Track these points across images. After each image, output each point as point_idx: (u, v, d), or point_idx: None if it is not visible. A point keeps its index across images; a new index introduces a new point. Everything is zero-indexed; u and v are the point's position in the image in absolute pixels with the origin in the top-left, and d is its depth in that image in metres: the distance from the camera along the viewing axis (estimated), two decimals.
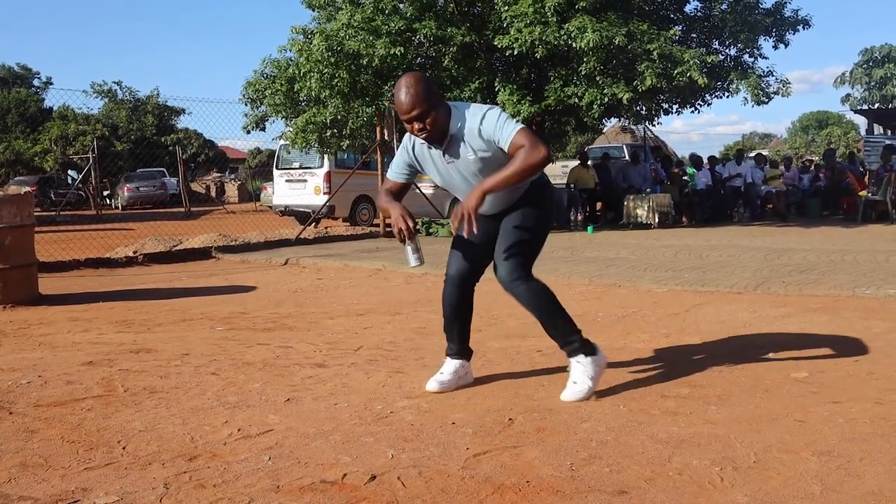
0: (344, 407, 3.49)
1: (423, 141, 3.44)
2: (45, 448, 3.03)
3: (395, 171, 3.66)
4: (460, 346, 3.76)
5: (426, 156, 3.53)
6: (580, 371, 3.50)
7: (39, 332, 5.51)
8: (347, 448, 2.95)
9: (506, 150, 3.30)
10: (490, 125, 3.31)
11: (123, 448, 3.01)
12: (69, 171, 37.75)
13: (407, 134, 3.55)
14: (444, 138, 3.39)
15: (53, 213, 23.36)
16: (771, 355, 4.28)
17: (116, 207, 32.37)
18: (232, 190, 40.38)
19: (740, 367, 4.03)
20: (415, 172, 3.68)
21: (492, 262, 3.58)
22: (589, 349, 3.55)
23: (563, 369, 4.02)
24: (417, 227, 3.36)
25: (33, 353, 4.76)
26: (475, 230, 3.31)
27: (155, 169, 34.77)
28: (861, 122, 39.45)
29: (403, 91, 3.30)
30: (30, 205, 6.91)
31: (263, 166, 41.70)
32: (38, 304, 6.71)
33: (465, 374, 3.78)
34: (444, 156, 3.44)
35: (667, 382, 3.76)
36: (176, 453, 2.94)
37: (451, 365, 3.75)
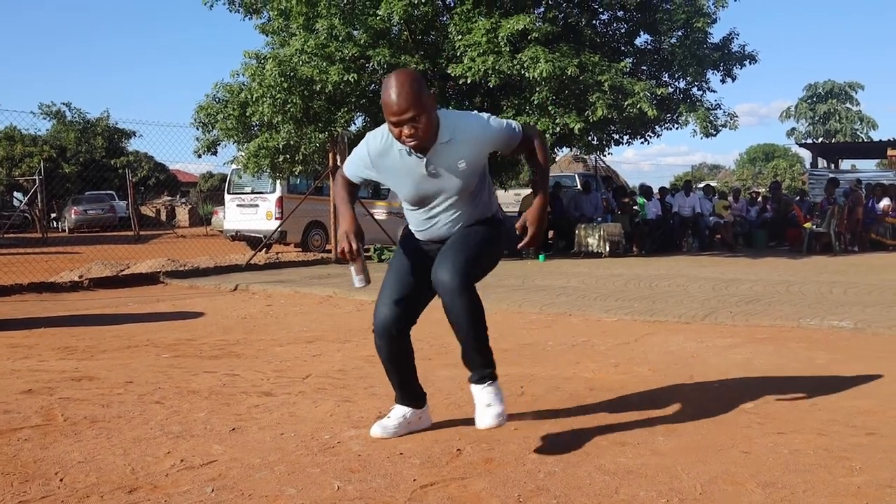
0: (290, 437, 3.44)
1: (401, 147, 3.11)
2: None
3: (353, 170, 3.35)
4: (406, 393, 3.43)
5: (395, 165, 3.19)
6: (492, 393, 3.14)
7: None
8: (293, 479, 2.90)
9: (512, 148, 3.26)
10: (485, 134, 3.15)
11: (61, 480, 2.92)
12: (15, 193, 36.97)
13: (370, 136, 3.25)
14: (431, 146, 3.10)
15: None
16: (718, 386, 4.32)
17: (63, 231, 31.75)
18: (183, 214, 39.87)
19: (688, 396, 4.07)
20: (367, 180, 3.40)
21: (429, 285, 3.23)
22: (496, 376, 3.22)
23: (517, 395, 4.03)
24: (363, 247, 3.18)
25: None
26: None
27: (104, 192, 34.20)
28: (806, 155, 40.43)
29: (395, 90, 2.95)
30: None
31: (215, 190, 41.25)
32: None
33: (417, 420, 3.45)
34: (427, 167, 3.12)
35: (615, 413, 3.77)
36: (115, 485, 2.86)
37: (398, 411, 3.43)
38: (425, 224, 3.33)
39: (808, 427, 3.50)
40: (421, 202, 3.27)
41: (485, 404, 3.11)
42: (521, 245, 3.31)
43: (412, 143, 3.03)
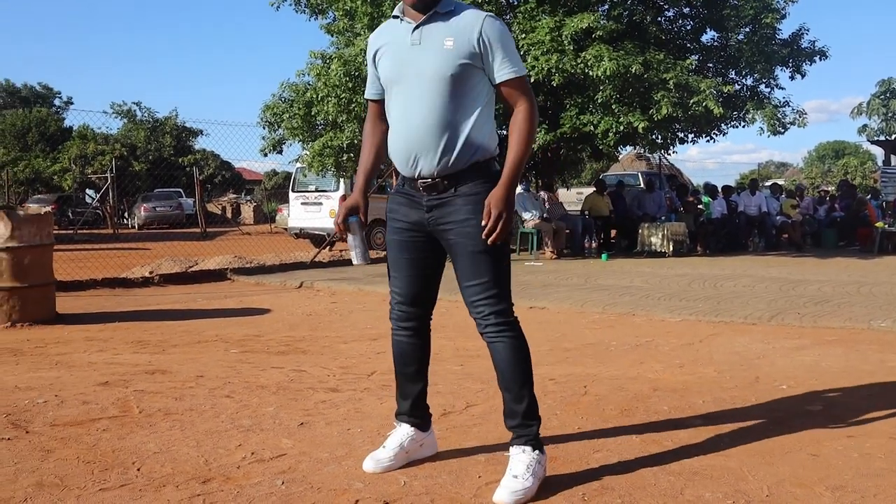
0: (357, 432, 3.50)
1: (398, 18, 2.89)
2: (61, 468, 3.05)
3: (369, 86, 3.07)
4: (409, 405, 3.07)
5: (389, 42, 2.92)
6: (525, 463, 2.75)
7: (56, 350, 5.56)
8: (360, 474, 2.96)
9: (501, 80, 2.79)
10: (496, 36, 2.76)
11: (138, 469, 3.03)
12: (87, 190, 38.10)
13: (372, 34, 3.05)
14: (428, 8, 2.80)
15: (71, 231, 23.56)
16: (784, 387, 4.27)
17: (133, 227, 32.61)
18: (248, 211, 40.64)
19: (753, 398, 4.03)
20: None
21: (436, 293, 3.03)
22: (540, 443, 2.85)
23: (580, 395, 4.04)
24: (362, 222, 3.03)
25: (50, 372, 4.80)
26: (499, 240, 2.71)
27: (172, 189, 35.06)
28: (878, 152, 39.36)
29: None
30: (49, 224, 6.98)
31: (279, 188, 41.96)
32: (54, 323, 6.75)
33: (417, 448, 3.06)
34: (412, 32, 2.82)
35: (679, 413, 3.75)
36: (190, 476, 2.96)
37: (397, 437, 3.04)
38: (399, 126, 2.90)
39: (878, 430, 3.45)
40: (396, 82, 2.88)
41: (512, 474, 2.73)
42: (488, 239, 2.72)
43: None
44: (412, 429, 3.06)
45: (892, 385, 4.29)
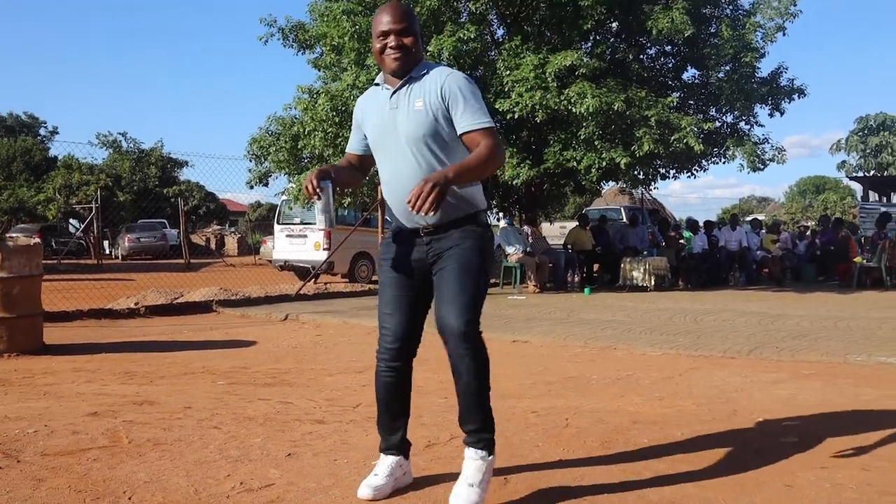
0: (343, 463, 3.57)
1: (381, 85, 3.13)
2: (53, 497, 3.11)
3: (351, 142, 3.34)
4: (398, 439, 3.22)
5: (372, 107, 3.16)
6: (478, 471, 2.99)
7: (44, 381, 5.60)
8: (347, 503, 3.03)
9: (462, 131, 2.97)
10: (457, 90, 2.97)
11: (129, 499, 3.10)
12: (71, 220, 38.00)
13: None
14: (406, 75, 3.05)
15: (55, 261, 23.48)
16: (761, 420, 4.37)
17: (116, 257, 32.53)
18: (232, 243, 40.63)
19: (731, 431, 4.13)
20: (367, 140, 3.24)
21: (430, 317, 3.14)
22: (492, 446, 3.08)
23: (562, 427, 4.13)
24: (330, 188, 3.01)
25: (39, 403, 4.85)
26: (424, 210, 2.72)
27: (156, 220, 35.07)
28: (857, 188, 39.92)
29: (388, 9, 3.05)
30: (38, 256, 7.04)
31: (263, 220, 42.02)
32: (42, 353, 6.80)
33: (402, 476, 3.22)
34: (391, 97, 3.06)
35: (658, 445, 3.85)
36: None
37: (386, 464, 3.19)
38: (390, 185, 3.12)
39: (851, 462, 3.55)
40: (380, 144, 3.13)
41: (467, 483, 2.97)
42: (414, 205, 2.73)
43: (395, 55, 3.02)
44: (398, 457, 3.21)
45: (865, 418, 4.40)
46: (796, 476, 3.36)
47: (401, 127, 3.02)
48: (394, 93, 3.06)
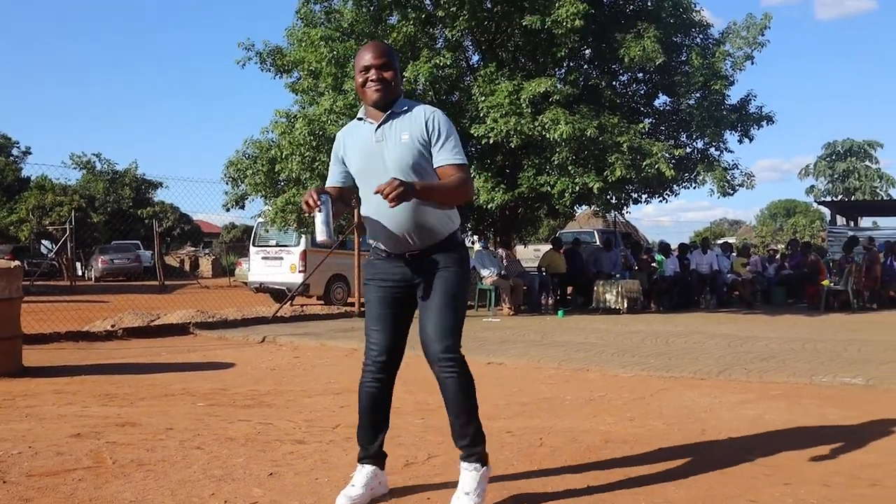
0: (325, 482, 3.68)
1: (363, 120, 3.36)
2: None
3: (332, 177, 3.51)
4: (376, 448, 3.44)
5: (355, 140, 3.38)
6: (474, 481, 3.26)
7: (25, 403, 5.65)
8: None
9: (438, 164, 3.24)
10: (439, 126, 3.25)
11: None
12: (43, 241, 37.70)
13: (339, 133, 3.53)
14: (387, 109, 3.30)
15: (27, 282, 23.29)
16: (729, 439, 4.53)
17: (90, 279, 32.31)
18: (206, 264, 40.44)
19: (700, 449, 4.28)
20: (347, 173, 3.46)
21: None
22: (485, 459, 3.35)
23: (536, 446, 4.26)
24: (328, 201, 3.19)
25: (21, 425, 4.90)
26: (389, 200, 2.96)
27: (130, 241, 34.90)
28: (827, 212, 40.64)
29: (371, 47, 3.34)
30: (18, 278, 7.08)
31: (237, 242, 41.92)
32: (21, 376, 6.82)
33: (378, 485, 3.42)
34: (376, 131, 3.29)
35: (629, 464, 3.98)
36: None
37: (363, 474, 3.40)
38: (376, 214, 3.32)
39: (813, 478, 3.71)
40: (366, 175, 3.33)
41: (464, 491, 3.25)
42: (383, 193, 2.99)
43: (377, 87, 3.27)
44: (374, 468, 3.43)
45: (828, 436, 4.56)
46: (761, 492, 3.50)
47: (388, 158, 3.24)
48: (378, 126, 3.29)
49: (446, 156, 3.25)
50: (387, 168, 3.24)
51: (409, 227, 3.27)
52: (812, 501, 3.37)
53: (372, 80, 3.26)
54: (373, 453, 3.42)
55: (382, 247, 3.41)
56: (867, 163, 57.51)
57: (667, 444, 4.41)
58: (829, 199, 50.55)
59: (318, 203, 3.13)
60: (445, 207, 3.32)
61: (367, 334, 3.42)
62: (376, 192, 3.01)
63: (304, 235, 16.34)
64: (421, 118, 3.27)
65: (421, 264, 3.33)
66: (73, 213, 28.95)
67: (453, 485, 3.47)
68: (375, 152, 3.29)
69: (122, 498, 3.43)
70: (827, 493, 3.48)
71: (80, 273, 32.31)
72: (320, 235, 3.23)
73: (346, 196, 3.52)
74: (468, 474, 3.28)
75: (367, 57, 3.28)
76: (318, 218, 3.20)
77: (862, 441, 4.43)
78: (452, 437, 3.34)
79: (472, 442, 3.30)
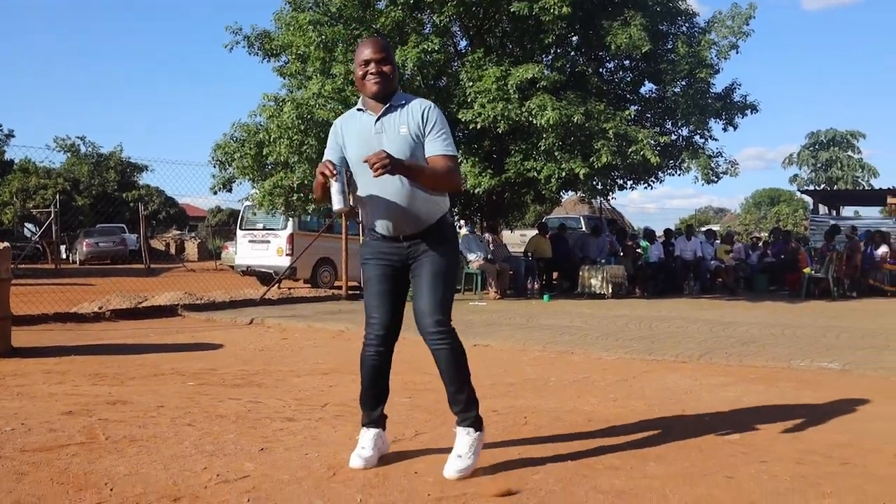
0: (315, 457, 3.77)
1: (362, 110, 3.57)
2: (37, 489, 3.27)
3: (329, 154, 3.66)
4: (379, 413, 3.71)
5: (354, 128, 3.58)
6: (469, 444, 3.49)
7: (15, 382, 5.71)
8: (319, 493, 3.23)
9: (429, 153, 3.46)
10: (433, 118, 3.48)
11: (111, 490, 3.26)
12: (27, 224, 37.52)
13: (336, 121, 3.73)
14: (386, 101, 3.52)
15: (11, 266, 23.23)
16: (708, 419, 4.65)
17: (74, 262, 32.21)
18: (192, 248, 40.40)
19: (679, 428, 4.39)
20: (344, 159, 3.61)
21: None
22: (480, 423, 3.58)
23: (521, 424, 4.36)
24: (343, 171, 3.44)
25: (13, 403, 4.97)
26: (374, 169, 3.20)
27: (115, 225, 34.77)
28: (810, 201, 40.92)
29: (370, 42, 3.57)
30: (7, 260, 7.13)
31: (224, 225, 41.86)
32: (11, 356, 6.88)
33: (382, 444, 3.72)
34: (375, 123, 3.51)
35: (611, 441, 4.10)
36: (161, 495, 3.20)
37: (369, 436, 3.66)
38: (372, 200, 3.53)
39: (788, 457, 3.83)
40: (363, 162, 3.42)
41: (457, 454, 3.48)
42: (370, 163, 3.25)
43: (376, 80, 3.50)
44: (378, 430, 3.71)
45: (803, 417, 4.68)
46: (737, 469, 3.62)
47: (387, 148, 3.38)
48: (378, 119, 3.51)
49: (438, 146, 3.47)
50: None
51: (402, 211, 3.49)
52: (786, 478, 3.49)
53: (372, 74, 3.49)
54: (376, 418, 3.69)
55: (378, 230, 3.60)
56: (850, 153, 57.88)
57: (648, 423, 4.53)
58: (812, 188, 50.87)
59: (335, 172, 3.35)
60: (435, 193, 3.54)
61: (368, 310, 3.63)
62: (364, 161, 3.29)
63: (290, 219, 16.38)
64: (417, 111, 3.49)
65: (414, 246, 3.56)
66: (57, 197, 28.83)
67: (440, 459, 3.58)
68: (375, 143, 3.46)
69: (117, 472, 3.51)
70: (801, 471, 3.60)
71: (63, 256, 32.22)
72: (337, 204, 3.40)
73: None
74: (462, 438, 3.51)
75: (367, 52, 3.51)
76: (335, 187, 3.38)
77: (835, 423, 4.57)
78: (448, 404, 3.59)
79: (465, 407, 3.54)
